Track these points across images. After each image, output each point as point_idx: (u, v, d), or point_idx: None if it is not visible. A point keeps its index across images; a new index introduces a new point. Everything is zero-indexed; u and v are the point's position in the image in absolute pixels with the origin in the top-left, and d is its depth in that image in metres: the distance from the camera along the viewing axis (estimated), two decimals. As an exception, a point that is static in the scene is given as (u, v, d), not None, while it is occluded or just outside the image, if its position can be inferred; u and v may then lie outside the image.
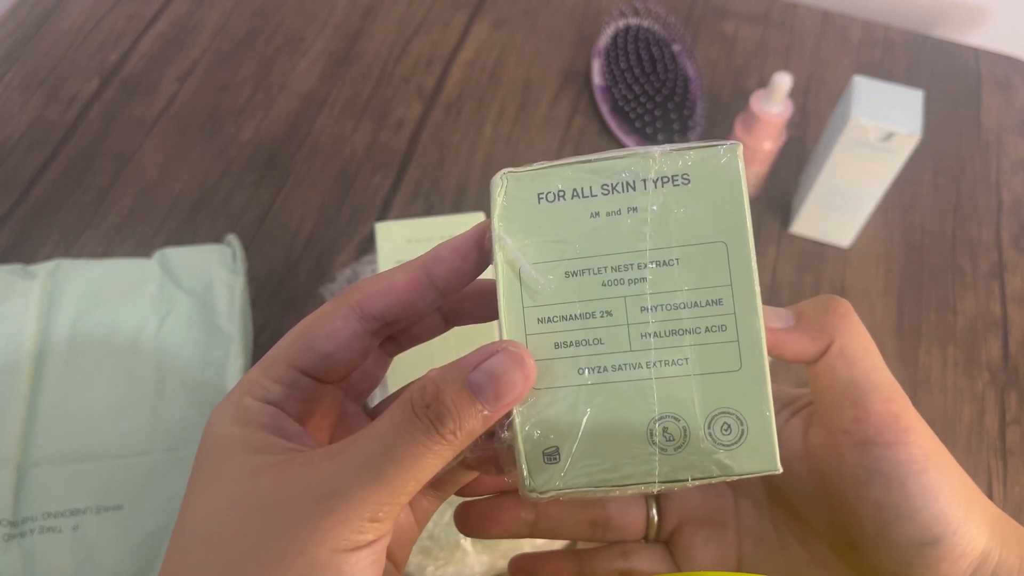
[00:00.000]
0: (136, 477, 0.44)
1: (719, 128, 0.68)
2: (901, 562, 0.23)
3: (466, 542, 0.41)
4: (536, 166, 0.24)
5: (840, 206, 0.59)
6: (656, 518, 0.29)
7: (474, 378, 0.21)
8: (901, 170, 0.56)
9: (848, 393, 0.24)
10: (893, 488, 0.23)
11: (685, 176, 0.23)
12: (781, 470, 0.23)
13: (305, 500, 0.20)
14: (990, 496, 0.53)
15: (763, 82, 0.72)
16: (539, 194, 0.24)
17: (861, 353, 0.24)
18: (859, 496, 0.24)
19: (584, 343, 0.23)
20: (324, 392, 0.24)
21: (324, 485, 0.20)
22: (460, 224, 0.47)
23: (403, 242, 0.46)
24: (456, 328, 0.27)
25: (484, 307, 0.26)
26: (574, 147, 0.67)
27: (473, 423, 0.20)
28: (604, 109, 0.68)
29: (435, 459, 0.20)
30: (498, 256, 0.24)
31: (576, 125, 0.68)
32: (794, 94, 0.69)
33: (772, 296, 0.60)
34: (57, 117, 0.64)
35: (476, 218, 0.48)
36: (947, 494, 0.23)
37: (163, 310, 0.50)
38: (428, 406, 0.20)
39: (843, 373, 0.24)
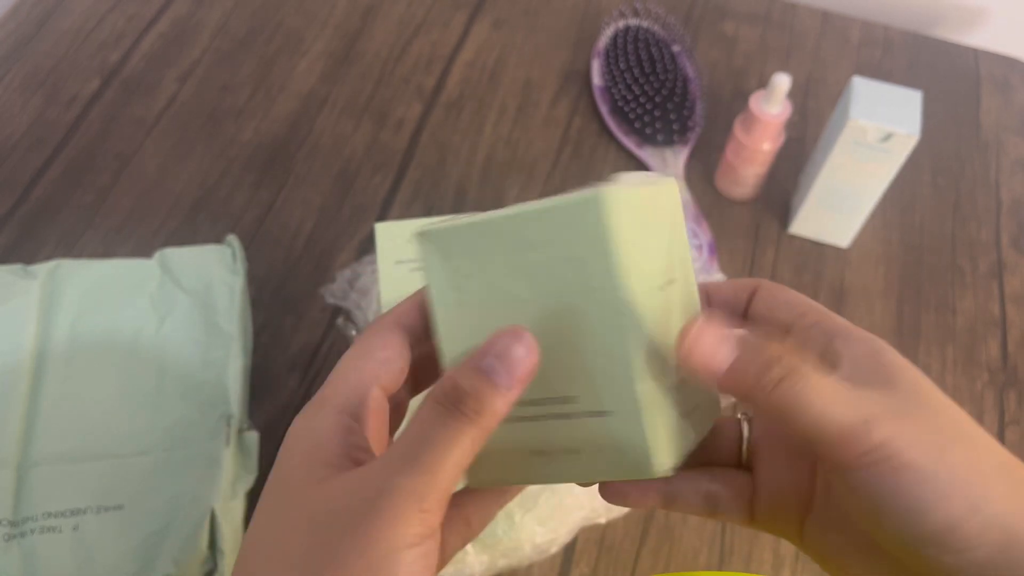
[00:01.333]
0: (136, 477, 0.44)
1: (719, 128, 0.68)
2: (913, 553, 0.23)
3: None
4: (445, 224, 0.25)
5: (839, 206, 0.60)
6: (746, 446, 0.29)
7: (484, 363, 0.23)
8: (900, 170, 0.56)
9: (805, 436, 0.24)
10: (887, 512, 0.23)
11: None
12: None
13: (358, 504, 0.22)
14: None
15: (763, 83, 0.72)
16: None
17: (811, 402, 0.23)
18: (862, 518, 0.24)
19: None
20: (382, 402, 0.26)
21: (372, 486, 0.22)
22: None
23: (403, 242, 0.46)
24: None
25: None
26: (574, 147, 0.67)
27: (493, 400, 0.23)
28: (604, 109, 0.68)
29: (465, 439, 0.22)
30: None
31: (576, 125, 0.68)
32: (793, 94, 0.69)
33: (771, 296, 0.60)
34: (57, 117, 0.65)
35: None
36: (947, 495, 0.22)
37: (163, 310, 0.50)
38: (447, 394, 0.22)
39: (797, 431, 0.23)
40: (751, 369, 0.23)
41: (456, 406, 0.22)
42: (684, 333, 0.24)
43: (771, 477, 0.28)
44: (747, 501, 0.28)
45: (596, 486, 0.27)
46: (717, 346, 0.24)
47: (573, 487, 0.42)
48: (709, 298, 0.28)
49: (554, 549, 0.43)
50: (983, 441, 0.24)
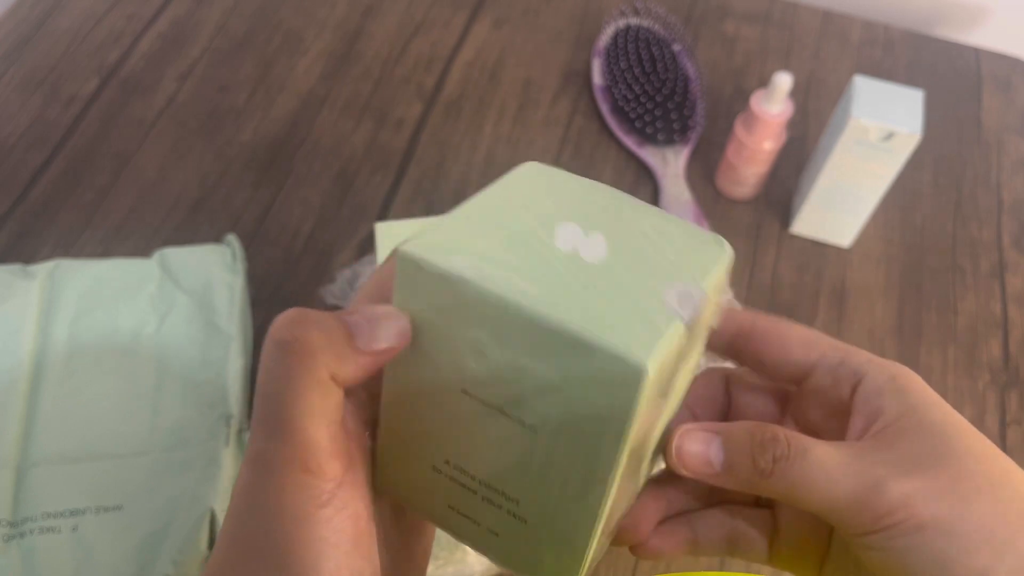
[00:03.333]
0: (136, 477, 0.44)
1: (719, 128, 0.68)
2: None
3: None
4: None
5: (840, 206, 0.59)
6: None
7: (351, 318, 0.21)
8: (901, 170, 0.56)
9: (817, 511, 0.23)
10: (909, 568, 0.22)
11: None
12: None
13: (251, 488, 0.21)
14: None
15: (763, 82, 0.71)
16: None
17: (815, 482, 0.23)
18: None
19: None
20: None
21: (252, 468, 0.21)
22: None
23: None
24: None
25: None
26: (574, 147, 0.67)
27: (342, 352, 0.21)
28: (604, 109, 0.68)
29: (311, 392, 0.20)
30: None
31: (576, 125, 0.68)
32: (794, 94, 0.69)
33: (773, 296, 0.60)
34: (57, 117, 0.64)
35: None
36: (971, 547, 0.22)
37: (163, 310, 0.50)
38: (287, 340, 0.21)
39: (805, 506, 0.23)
40: (744, 462, 0.23)
41: (290, 348, 0.21)
42: (668, 444, 0.24)
43: (791, 515, 0.27)
44: (767, 538, 0.28)
45: None
46: (704, 449, 0.24)
47: None
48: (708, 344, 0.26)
49: None
50: (1008, 484, 0.23)
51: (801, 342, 0.26)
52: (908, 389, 0.24)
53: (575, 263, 0.21)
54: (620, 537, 0.26)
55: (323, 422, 0.21)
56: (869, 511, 0.22)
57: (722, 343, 0.27)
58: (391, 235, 0.46)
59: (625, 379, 0.19)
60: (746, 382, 0.29)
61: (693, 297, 0.21)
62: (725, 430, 0.24)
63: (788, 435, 0.23)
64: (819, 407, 0.26)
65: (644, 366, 0.18)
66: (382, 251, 0.46)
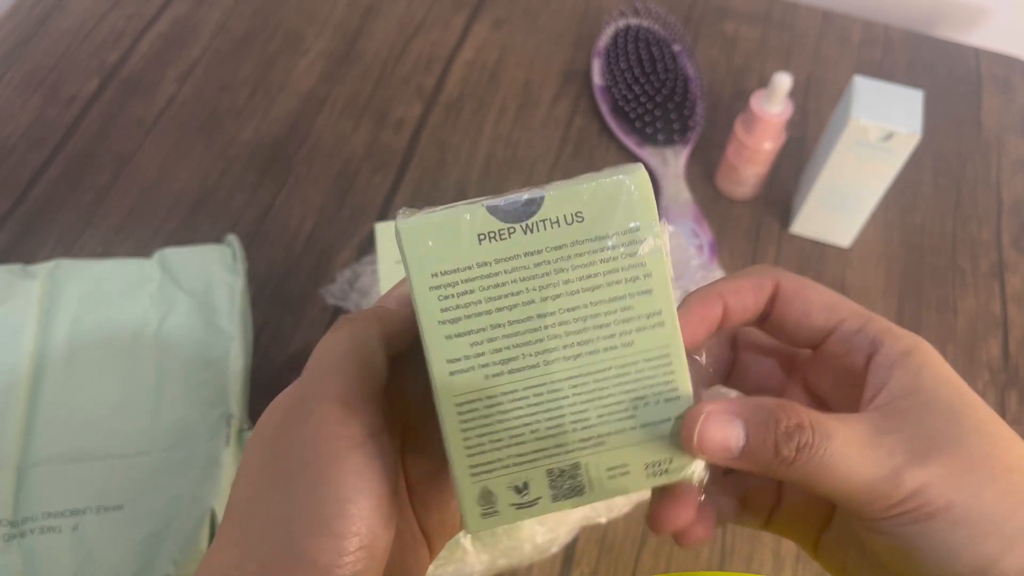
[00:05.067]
0: (136, 477, 0.44)
1: (719, 128, 0.68)
2: None
3: (466, 541, 0.41)
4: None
5: (840, 206, 0.59)
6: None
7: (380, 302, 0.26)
8: (901, 170, 0.56)
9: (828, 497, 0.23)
10: (917, 554, 0.22)
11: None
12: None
13: (290, 420, 0.23)
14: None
15: (763, 82, 0.71)
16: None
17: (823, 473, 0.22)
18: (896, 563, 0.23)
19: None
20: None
21: (295, 402, 0.23)
22: None
23: None
24: None
25: None
26: (574, 147, 0.67)
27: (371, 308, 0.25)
28: (604, 109, 0.68)
29: (358, 337, 0.23)
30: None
31: (576, 125, 0.68)
32: (794, 94, 0.69)
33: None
34: (57, 117, 0.64)
35: None
36: (982, 534, 0.22)
37: (163, 310, 0.50)
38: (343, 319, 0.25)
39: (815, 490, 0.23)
40: (767, 447, 0.22)
41: (345, 320, 0.24)
42: (687, 422, 0.23)
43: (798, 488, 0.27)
44: (768, 506, 0.27)
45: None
46: (725, 430, 0.23)
47: None
48: (725, 306, 0.25)
49: (554, 549, 0.43)
50: (1021, 470, 0.23)
51: (823, 306, 0.25)
52: (924, 364, 0.24)
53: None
54: (664, 525, 0.25)
55: (367, 372, 0.23)
56: (883, 499, 0.22)
57: (748, 309, 0.26)
58: (391, 235, 0.46)
59: (398, 238, 0.23)
60: (753, 342, 0.28)
61: (529, 196, 0.23)
62: (747, 412, 0.23)
63: (813, 421, 0.22)
64: (830, 374, 0.26)
65: (400, 226, 0.22)
66: (383, 251, 0.46)
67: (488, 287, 0.23)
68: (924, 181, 0.67)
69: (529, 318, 0.23)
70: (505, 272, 0.23)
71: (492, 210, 0.22)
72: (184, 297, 0.51)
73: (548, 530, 0.41)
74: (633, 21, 0.72)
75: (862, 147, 0.55)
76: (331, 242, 0.59)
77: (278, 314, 0.56)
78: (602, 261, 0.23)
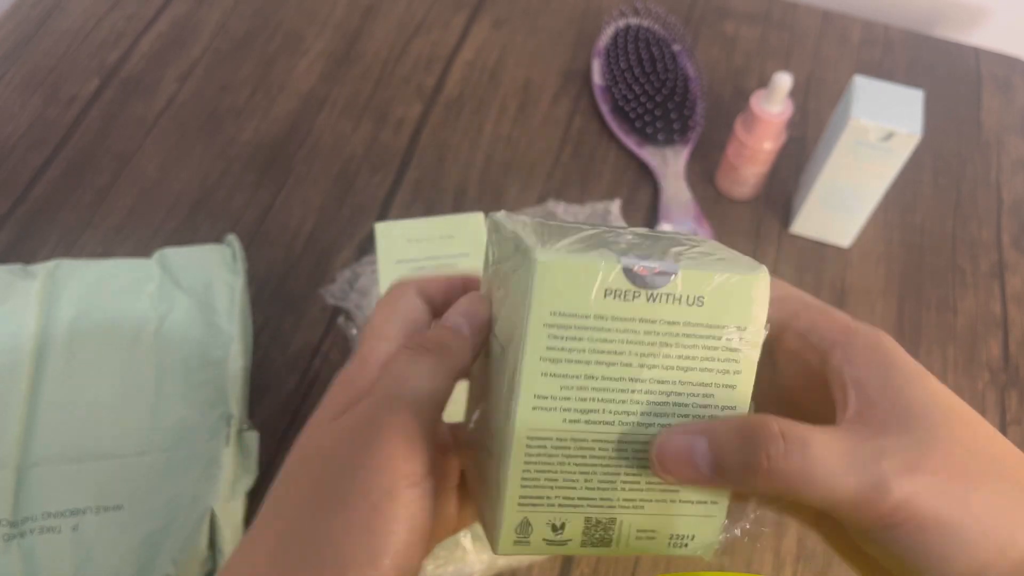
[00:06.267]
0: (136, 477, 0.44)
1: (719, 128, 0.68)
2: None
3: (466, 540, 0.41)
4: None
5: (840, 206, 0.59)
6: None
7: (451, 320, 0.26)
8: (901, 170, 0.56)
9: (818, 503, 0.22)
10: (911, 564, 0.22)
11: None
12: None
13: (354, 447, 0.23)
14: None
15: (763, 82, 0.72)
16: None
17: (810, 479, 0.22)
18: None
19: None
20: None
21: (363, 428, 0.23)
22: (460, 224, 0.47)
23: (403, 242, 0.46)
24: None
25: None
26: (574, 147, 0.67)
27: (456, 342, 0.26)
28: (604, 109, 0.68)
29: (436, 375, 0.25)
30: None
31: (576, 125, 0.68)
32: (794, 94, 0.69)
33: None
34: (57, 117, 0.65)
35: (476, 218, 0.47)
36: (973, 542, 0.21)
37: (163, 310, 0.50)
38: (419, 343, 0.26)
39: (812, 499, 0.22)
40: (734, 463, 0.22)
41: (425, 347, 0.25)
42: (651, 447, 0.24)
43: None
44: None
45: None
46: (688, 452, 0.23)
47: None
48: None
49: None
50: (1007, 474, 0.22)
51: (775, 299, 0.24)
52: (892, 362, 0.23)
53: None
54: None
55: (436, 409, 0.24)
56: (872, 511, 0.22)
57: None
58: (391, 235, 0.46)
59: (529, 267, 0.23)
60: None
61: (663, 267, 0.23)
62: (709, 429, 0.23)
63: (783, 428, 0.22)
64: (794, 373, 0.26)
65: (538, 258, 0.23)
66: (382, 251, 0.46)
67: (596, 340, 0.23)
68: (924, 181, 0.67)
69: (621, 379, 0.24)
70: (617, 331, 0.23)
71: (627, 271, 0.23)
72: (184, 297, 0.51)
73: None
74: (633, 21, 0.72)
75: (862, 147, 0.55)
76: (331, 242, 0.59)
77: (278, 314, 0.56)
78: (704, 347, 0.24)
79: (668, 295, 0.23)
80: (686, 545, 0.25)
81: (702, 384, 0.24)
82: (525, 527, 0.24)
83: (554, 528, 0.25)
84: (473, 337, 0.26)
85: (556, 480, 0.24)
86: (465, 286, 0.28)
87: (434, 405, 0.24)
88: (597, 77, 0.70)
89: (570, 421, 0.24)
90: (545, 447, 0.24)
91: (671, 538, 0.25)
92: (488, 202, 0.62)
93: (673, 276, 0.23)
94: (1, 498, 0.43)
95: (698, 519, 0.25)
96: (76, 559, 0.42)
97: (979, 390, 0.57)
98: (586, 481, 0.24)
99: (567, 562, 0.48)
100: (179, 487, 0.44)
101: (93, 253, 0.57)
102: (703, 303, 0.24)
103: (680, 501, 0.25)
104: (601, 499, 0.25)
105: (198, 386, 0.48)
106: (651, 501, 0.25)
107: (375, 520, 0.21)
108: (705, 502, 0.25)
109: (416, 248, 0.46)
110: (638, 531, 0.25)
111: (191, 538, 0.43)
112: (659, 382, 0.24)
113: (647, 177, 0.65)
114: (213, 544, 0.43)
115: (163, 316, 0.50)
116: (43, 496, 0.43)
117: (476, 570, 0.42)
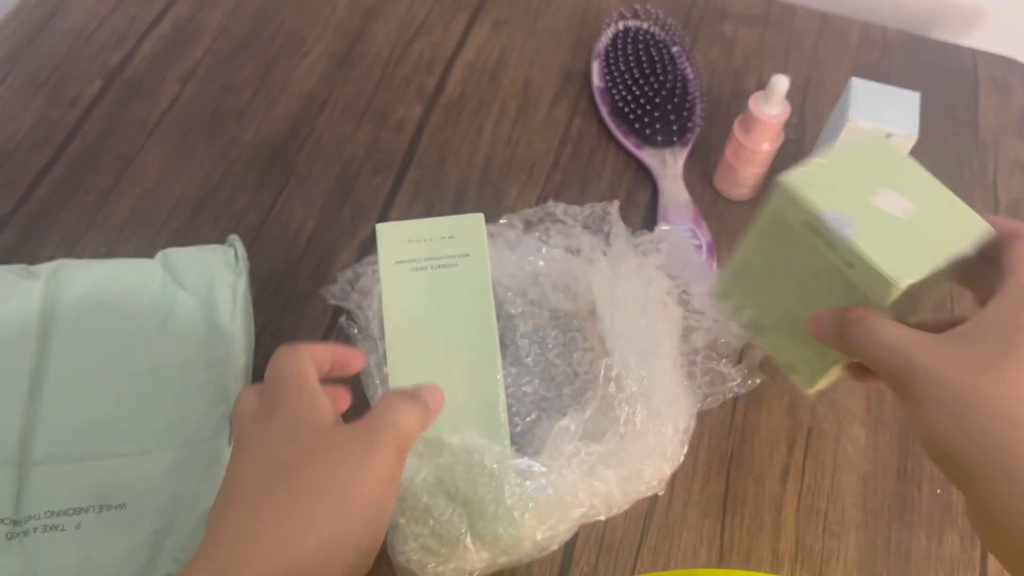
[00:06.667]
0: (138, 476, 0.45)
1: (718, 129, 0.68)
2: None
3: (467, 540, 0.41)
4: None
5: (838, 207, 0.60)
6: None
7: (428, 398, 0.37)
8: (899, 171, 0.57)
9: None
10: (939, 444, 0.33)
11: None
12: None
13: (363, 445, 0.33)
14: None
15: (762, 84, 0.72)
16: None
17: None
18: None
19: None
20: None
21: (368, 436, 0.34)
22: (461, 224, 0.47)
23: (404, 242, 0.46)
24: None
25: None
26: (574, 148, 0.67)
27: (429, 414, 0.37)
28: (604, 110, 0.68)
29: (421, 417, 0.36)
30: None
31: (576, 126, 0.68)
32: (792, 95, 0.69)
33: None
34: (59, 118, 0.65)
35: (477, 219, 0.48)
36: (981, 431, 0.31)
37: (165, 310, 0.50)
38: (412, 394, 0.37)
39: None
40: (831, 326, 0.38)
41: (419, 399, 0.36)
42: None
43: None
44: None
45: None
46: (821, 318, 0.39)
47: (574, 485, 0.42)
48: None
49: (554, 546, 0.43)
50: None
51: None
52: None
53: (883, 216, 0.38)
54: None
55: (413, 437, 0.35)
56: (897, 378, 0.34)
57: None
58: (392, 236, 0.47)
59: (886, 283, 0.36)
60: None
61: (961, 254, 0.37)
62: (833, 311, 0.38)
63: (864, 312, 0.36)
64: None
65: (902, 282, 0.36)
66: (383, 251, 0.46)
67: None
68: (921, 182, 0.68)
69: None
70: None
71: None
72: (186, 297, 0.51)
73: (548, 527, 0.42)
74: (632, 23, 0.72)
75: (860, 148, 0.55)
76: (332, 242, 0.60)
77: (279, 314, 0.56)
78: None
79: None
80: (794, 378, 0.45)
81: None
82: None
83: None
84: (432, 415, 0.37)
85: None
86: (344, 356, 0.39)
87: (413, 436, 0.36)
88: (596, 78, 0.70)
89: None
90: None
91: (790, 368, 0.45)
92: (488, 202, 0.63)
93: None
94: (4, 496, 0.43)
95: (811, 368, 0.43)
96: (78, 558, 0.42)
97: None
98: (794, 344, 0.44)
99: (566, 561, 0.48)
100: (181, 486, 0.45)
101: (96, 253, 0.58)
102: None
103: (811, 357, 0.42)
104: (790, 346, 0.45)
105: (200, 386, 0.48)
106: (800, 348, 0.42)
107: (385, 516, 0.34)
108: (815, 362, 0.42)
109: (416, 248, 0.46)
110: (786, 363, 0.45)
111: (193, 537, 0.43)
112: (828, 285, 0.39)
113: (646, 178, 0.66)
114: (215, 542, 0.44)
115: (165, 316, 0.50)
116: (46, 495, 0.43)
117: (477, 568, 0.42)
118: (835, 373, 0.42)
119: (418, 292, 0.44)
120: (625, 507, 0.44)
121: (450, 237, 0.46)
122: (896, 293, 0.35)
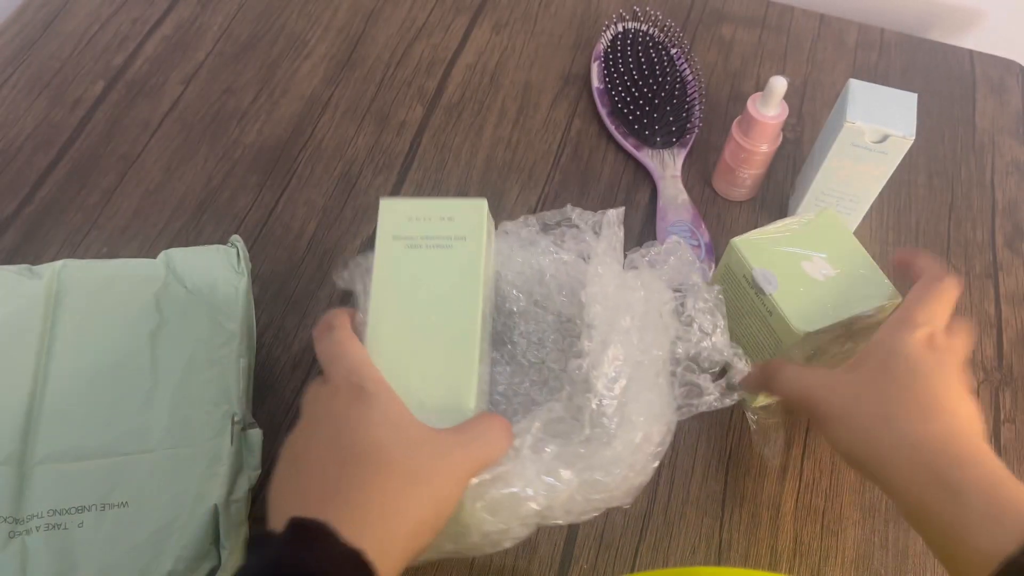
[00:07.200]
0: (141, 475, 0.45)
1: (716, 130, 0.69)
2: None
3: (525, 448, 0.40)
4: None
5: (836, 207, 0.60)
6: None
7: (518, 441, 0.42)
8: (896, 172, 0.57)
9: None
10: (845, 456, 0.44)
11: None
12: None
13: (439, 457, 0.37)
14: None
15: (760, 85, 0.72)
16: None
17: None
18: None
19: None
20: None
21: (446, 450, 0.38)
22: (464, 208, 0.47)
23: (404, 219, 0.45)
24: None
25: None
26: (573, 149, 0.67)
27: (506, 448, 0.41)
28: (603, 112, 0.68)
29: (502, 451, 0.39)
30: None
31: (575, 127, 0.69)
32: (790, 97, 0.70)
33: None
34: (62, 119, 0.65)
35: (479, 204, 0.47)
36: (860, 443, 0.41)
37: (168, 309, 0.51)
38: (503, 424, 0.40)
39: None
40: (756, 379, 0.46)
41: (511, 435, 0.39)
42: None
43: None
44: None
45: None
46: (751, 376, 0.46)
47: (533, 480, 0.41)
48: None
49: (508, 543, 0.40)
50: (920, 386, 0.40)
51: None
52: (886, 343, 0.43)
53: (805, 278, 0.48)
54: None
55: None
56: (806, 409, 0.43)
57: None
58: (395, 211, 0.46)
59: (791, 331, 0.47)
60: None
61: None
62: (759, 366, 0.46)
63: (779, 363, 0.45)
64: None
65: (802, 331, 0.46)
66: (383, 224, 0.45)
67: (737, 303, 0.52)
68: (919, 183, 0.68)
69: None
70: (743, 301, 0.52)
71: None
72: (189, 297, 0.51)
73: (498, 520, 0.39)
74: (631, 25, 0.72)
75: (857, 149, 0.55)
76: (334, 243, 0.60)
77: (281, 314, 0.56)
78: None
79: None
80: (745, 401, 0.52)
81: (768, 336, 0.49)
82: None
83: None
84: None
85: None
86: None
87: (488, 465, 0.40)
88: (596, 80, 0.70)
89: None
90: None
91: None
92: (489, 203, 0.63)
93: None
94: (6, 495, 0.43)
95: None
96: (81, 556, 0.42)
97: (973, 390, 0.57)
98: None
99: (566, 559, 0.48)
100: (183, 484, 0.45)
101: (99, 254, 0.58)
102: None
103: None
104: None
105: (202, 384, 0.48)
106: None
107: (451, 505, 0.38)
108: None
109: (415, 226, 0.45)
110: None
111: (195, 535, 0.43)
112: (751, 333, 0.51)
113: (645, 179, 0.66)
114: (217, 541, 0.44)
115: (168, 315, 0.50)
116: (48, 493, 0.43)
117: (473, 541, 0.40)
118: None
119: (409, 268, 0.44)
120: (588, 515, 0.41)
121: (450, 219, 0.46)
122: (797, 338, 0.46)
